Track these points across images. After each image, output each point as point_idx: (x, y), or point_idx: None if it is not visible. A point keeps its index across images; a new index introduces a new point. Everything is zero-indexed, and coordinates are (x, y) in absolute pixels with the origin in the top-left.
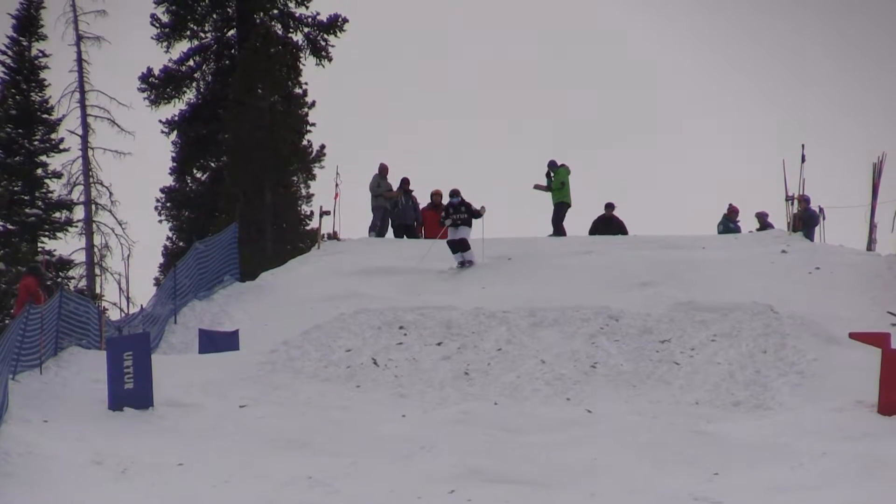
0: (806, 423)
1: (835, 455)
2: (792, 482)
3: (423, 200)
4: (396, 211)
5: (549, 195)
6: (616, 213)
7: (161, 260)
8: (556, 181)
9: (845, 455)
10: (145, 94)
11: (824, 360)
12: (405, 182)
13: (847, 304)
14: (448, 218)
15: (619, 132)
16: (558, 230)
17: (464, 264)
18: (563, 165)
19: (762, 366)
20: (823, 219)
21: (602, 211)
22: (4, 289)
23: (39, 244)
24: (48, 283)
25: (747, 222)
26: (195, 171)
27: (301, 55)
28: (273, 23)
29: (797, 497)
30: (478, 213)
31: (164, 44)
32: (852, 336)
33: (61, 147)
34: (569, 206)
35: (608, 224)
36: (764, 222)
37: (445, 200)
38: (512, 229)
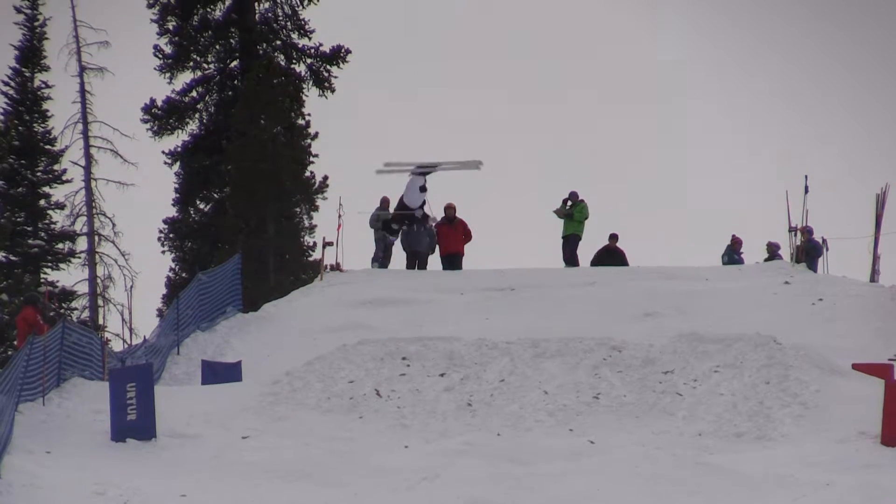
0: (809, 454)
1: (837, 486)
2: None
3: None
4: (409, 238)
5: (558, 225)
6: (619, 244)
7: (164, 291)
8: (580, 215)
9: (848, 486)
10: (148, 125)
11: (827, 392)
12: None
13: (850, 335)
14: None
15: (621, 161)
16: (573, 261)
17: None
18: (582, 200)
19: (765, 397)
20: (827, 250)
21: (605, 241)
22: (7, 320)
23: (42, 275)
24: (51, 313)
25: (757, 252)
26: (198, 202)
27: (304, 86)
28: (276, 54)
29: None
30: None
31: (167, 75)
32: (855, 367)
33: (64, 178)
34: (580, 238)
35: (611, 255)
36: (774, 253)
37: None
38: (516, 260)
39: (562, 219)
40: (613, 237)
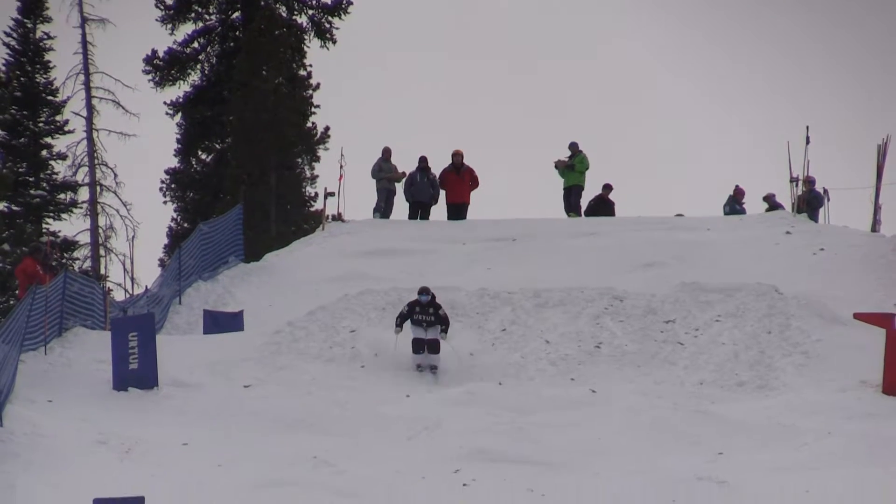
0: (810, 403)
1: (839, 435)
2: (796, 462)
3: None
4: (412, 188)
5: (557, 176)
6: (617, 195)
7: (166, 241)
8: (581, 166)
9: (850, 435)
10: (150, 76)
11: (828, 341)
12: (423, 160)
13: (851, 285)
14: (406, 318)
15: (623, 113)
16: (577, 211)
17: (425, 368)
18: (581, 151)
19: (766, 346)
20: (828, 200)
21: (599, 191)
22: (10, 270)
23: (44, 225)
24: (53, 263)
25: (755, 206)
26: (200, 153)
27: (305, 37)
28: (277, 5)
29: (801, 477)
30: (446, 323)
31: (169, 26)
32: (857, 316)
33: (66, 129)
34: (583, 188)
35: (604, 205)
36: (773, 203)
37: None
38: (517, 210)
39: (563, 171)
40: (607, 187)
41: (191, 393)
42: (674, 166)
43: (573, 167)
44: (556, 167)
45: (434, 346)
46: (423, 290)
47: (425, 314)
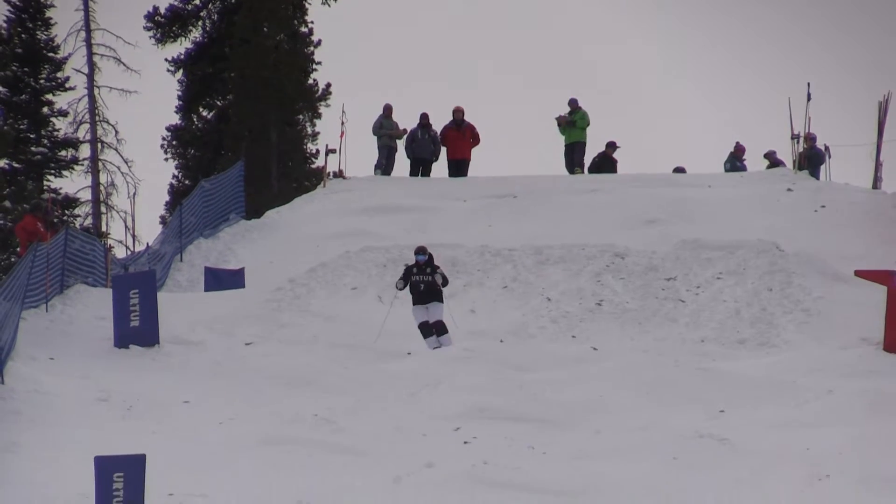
0: (811, 360)
1: (840, 392)
2: (797, 419)
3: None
4: (413, 145)
5: (559, 134)
6: (619, 153)
7: (167, 198)
8: (581, 122)
9: (850, 392)
10: (151, 33)
11: (830, 298)
12: (424, 117)
13: (853, 242)
14: (402, 280)
15: (624, 70)
16: (582, 167)
17: (439, 346)
18: (581, 108)
19: (768, 303)
20: (829, 157)
21: (603, 148)
22: (10, 227)
23: (45, 182)
24: (54, 220)
25: (755, 163)
26: (201, 110)
27: None
28: None
29: (802, 434)
30: (444, 281)
31: None
32: (858, 274)
33: (67, 86)
34: (585, 144)
35: (607, 163)
36: (774, 160)
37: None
38: (518, 167)
39: (564, 127)
40: (611, 145)
41: (192, 350)
42: (674, 123)
43: (574, 123)
44: (559, 124)
45: (442, 328)
46: (420, 250)
47: (423, 274)
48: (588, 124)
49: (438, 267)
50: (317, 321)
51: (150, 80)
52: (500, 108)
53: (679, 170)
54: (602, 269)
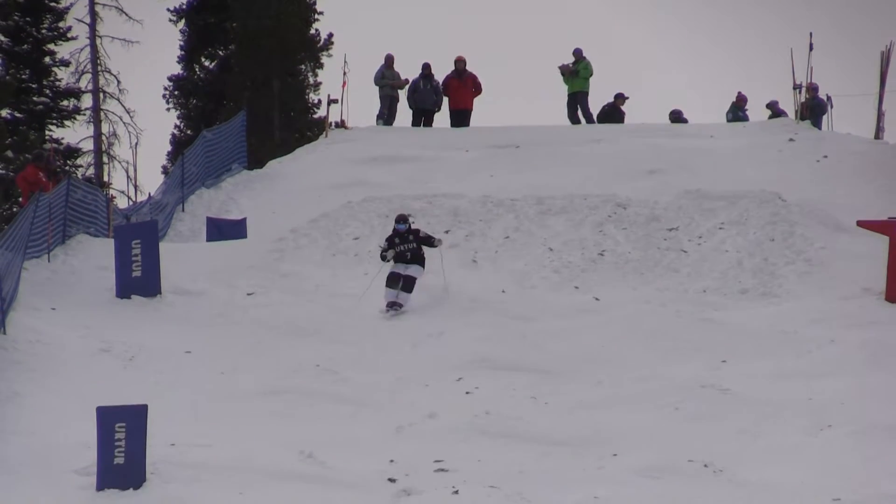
0: (813, 310)
1: (842, 342)
2: (799, 370)
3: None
4: (416, 95)
5: (562, 83)
6: (625, 106)
7: (169, 148)
8: (584, 72)
9: (852, 343)
10: None
11: (832, 248)
12: (426, 67)
13: (855, 193)
14: (391, 250)
15: (624, 19)
16: (588, 117)
17: (393, 306)
18: (585, 58)
19: (770, 254)
20: (831, 107)
21: (611, 99)
22: (13, 177)
23: (47, 132)
24: (56, 170)
25: (757, 113)
26: (203, 60)
27: None
28: None
29: (804, 384)
30: (430, 242)
31: None
32: (860, 224)
33: (69, 35)
34: (587, 94)
35: (614, 113)
36: (776, 110)
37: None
38: (520, 116)
39: (567, 77)
40: (620, 97)
41: (194, 300)
42: (676, 73)
43: (577, 73)
44: (562, 73)
45: (409, 285)
46: (400, 219)
47: (406, 242)
48: (591, 74)
49: (419, 230)
50: (319, 271)
51: (152, 29)
52: (502, 57)
53: (676, 112)
54: (604, 219)
